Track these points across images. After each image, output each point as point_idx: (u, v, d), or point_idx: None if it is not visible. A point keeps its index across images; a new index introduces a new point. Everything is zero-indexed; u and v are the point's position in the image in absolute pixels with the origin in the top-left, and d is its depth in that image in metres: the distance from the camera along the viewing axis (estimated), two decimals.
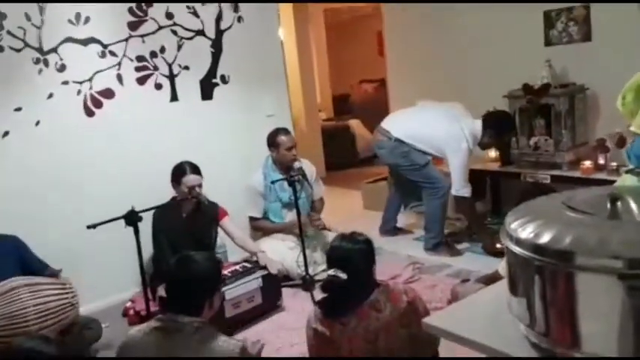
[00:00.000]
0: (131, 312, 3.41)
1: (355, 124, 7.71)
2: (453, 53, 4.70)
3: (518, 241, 1.11)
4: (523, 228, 1.11)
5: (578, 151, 3.90)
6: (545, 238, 1.06)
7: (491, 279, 2.58)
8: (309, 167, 4.10)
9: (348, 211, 5.36)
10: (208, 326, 1.87)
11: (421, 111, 4.26)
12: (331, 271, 1.92)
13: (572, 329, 1.06)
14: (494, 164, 4.34)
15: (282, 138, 3.86)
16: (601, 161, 3.73)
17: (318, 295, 2.14)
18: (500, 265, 2.64)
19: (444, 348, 2.28)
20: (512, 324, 1.21)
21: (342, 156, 7.35)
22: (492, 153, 4.39)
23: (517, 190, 4.20)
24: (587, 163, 3.73)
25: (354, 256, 1.96)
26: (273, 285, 3.38)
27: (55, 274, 3.06)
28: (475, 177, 4.43)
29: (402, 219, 4.76)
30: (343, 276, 1.89)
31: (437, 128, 3.95)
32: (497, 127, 3.92)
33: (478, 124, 3.92)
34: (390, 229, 4.57)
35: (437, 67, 4.83)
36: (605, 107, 3.90)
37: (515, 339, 1.19)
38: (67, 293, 2.85)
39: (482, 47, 4.48)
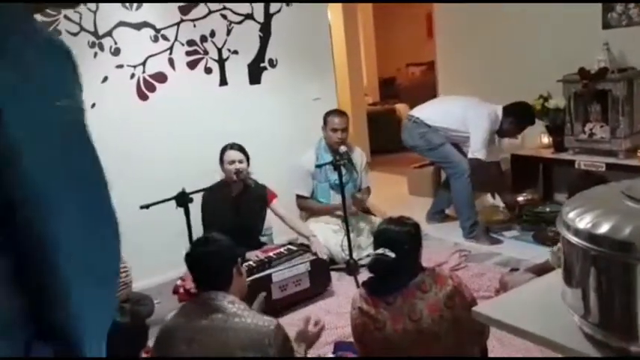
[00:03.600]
0: (181, 290, 3.50)
1: (402, 109, 7.62)
2: (505, 35, 4.57)
3: (576, 231, 1.08)
4: (581, 218, 1.08)
5: (635, 139, 3.75)
6: (603, 229, 1.03)
7: (542, 269, 2.52)
8: (360, 155, 4.09)
9: (393, 196, 5.34)
10: (244, 304, 1.92)
11: (444, 98, 4.48)
12: (379, 250, 1.93)
13: (629, 321, 1.03)
14: (546, 150, 4.22)
15: (332, 118, 3.88)
16: None
17: (363, 279, 2.16)
18: (550, 256, 2.58)
19: (494, 340, 2.26)
20: (565, 314, 1.18)
21: (387, 141, 7.27)
22: (545, 139, 4.27)
23: (568, 179, 4.09)
24: None
25: (401, 238, 1.97)
26: (322, 270, 3.40)
27: None
28: (527, 163, 4.36)
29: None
30: (391, 255, 1.89)
31: (460, 106, 4.11)
32: (518, 116, 4.02)
33: (499, 109, 4.01)
34: (437, 212, 4.54)
35: (488, 51, 4.71)
36: None
37: (569, 329, 1.17)
38: (121, 273, 2.96)
39: (537, 29, 4.34)
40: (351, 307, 2.05)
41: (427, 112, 4.18)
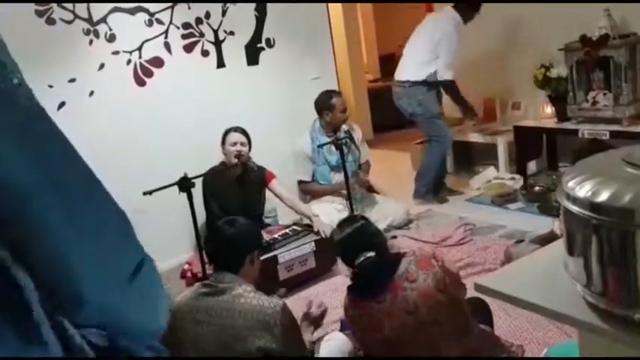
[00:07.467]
0: (188, 274, 3.53)
1: None
2: (505, 6, 4.49)
3: (576, 200, 1.07)
4: (580, 186, 1.07)
5: (638, 106, 3.71)
6: (603, 196, 1.02)
7: (546, 239, 2.52)
8: (356, 130, 4.08)
9: (396, 173, 5.32)
10: (251, 286, 1.95)
11: (408, 47, 4.40)
12: (360, 258, 1.87)
13: (632, 289, 1.02)
14: (550, 120, 4.19)
15: (336, 100, 3.87)
16: None
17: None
18: (555, 225, 2.58)
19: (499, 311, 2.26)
20: (568, 284, 1.18)
21: (389, 117, 7.22)
22: (548, 109, 4.23)
23: (573, 147, 4.06)
24: None
25: (363, 231, 1.96)
26: (328, 249, 3.40)
27: None
28: (530, 134, 4.32)
29: (452, 180, 4.69)
30: (372, 254, 1.86)
31: (428, 44, 4.16)
32: (469, 2, 4.14)
33: (455, 14, 4.12)
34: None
35: (489, 20, 4.63)
36: None
37: (572, 299, 1.16)
38: None
39: None
40: (344, 314, 2.01)
41: (412, 70, 4.19)
